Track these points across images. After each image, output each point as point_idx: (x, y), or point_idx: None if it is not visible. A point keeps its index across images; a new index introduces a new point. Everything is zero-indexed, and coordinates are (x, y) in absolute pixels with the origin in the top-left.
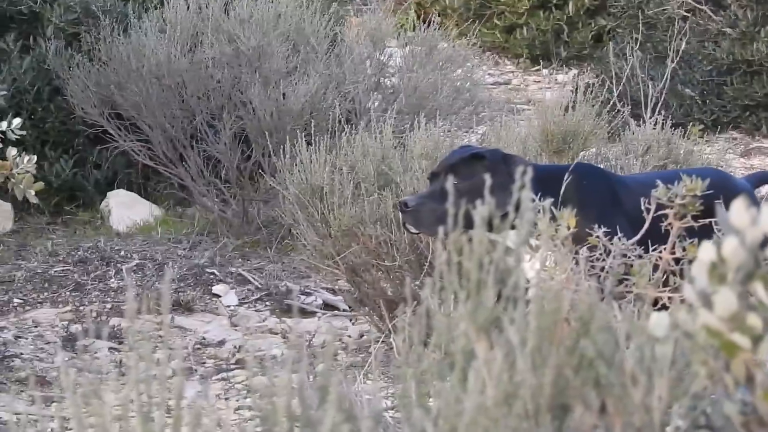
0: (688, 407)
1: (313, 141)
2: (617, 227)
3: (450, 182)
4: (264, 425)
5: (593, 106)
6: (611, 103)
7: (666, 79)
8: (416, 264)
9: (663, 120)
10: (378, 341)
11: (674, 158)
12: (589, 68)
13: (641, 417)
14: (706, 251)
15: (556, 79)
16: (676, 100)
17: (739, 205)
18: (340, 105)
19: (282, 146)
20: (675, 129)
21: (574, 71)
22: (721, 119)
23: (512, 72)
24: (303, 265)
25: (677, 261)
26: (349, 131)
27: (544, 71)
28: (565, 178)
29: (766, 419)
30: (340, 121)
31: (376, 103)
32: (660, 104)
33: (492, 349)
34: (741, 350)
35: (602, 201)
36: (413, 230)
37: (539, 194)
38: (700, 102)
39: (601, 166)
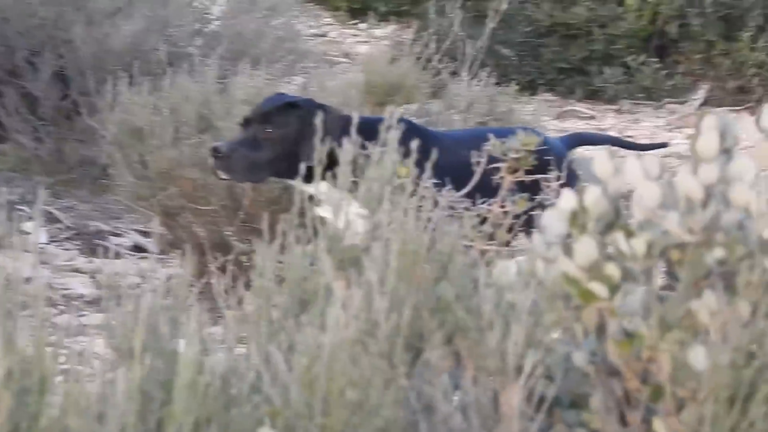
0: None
1: (135, 82)
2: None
3: (261, 130)
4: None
5: (418, 59)
6: (430, 60)
7: (485, 38)
8: (231, 209)
9: (486, 77)
10: (191, 285)
11: (495, 116)
12: (408, 25)
13: (496, 362)
14: (566, 200)
15: (373, 34)
16: (493, 60)
17: (602, 156)
18: (163, 48)
19: (103, 86)
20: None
21: (393, 27)
22: (537, 81)
23: (330, 25)
24: (117, 205)
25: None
26: (171, 74)
27: (362, 25)
28: (375, 131)
29: (617, 368)
30: (164, 65)
31: (198, 49)
32: (478, 63)
33: (349, 288)
34: (598, 299)
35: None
36: (224, 176)
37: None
38: (517, 63)
39: (415, 120)
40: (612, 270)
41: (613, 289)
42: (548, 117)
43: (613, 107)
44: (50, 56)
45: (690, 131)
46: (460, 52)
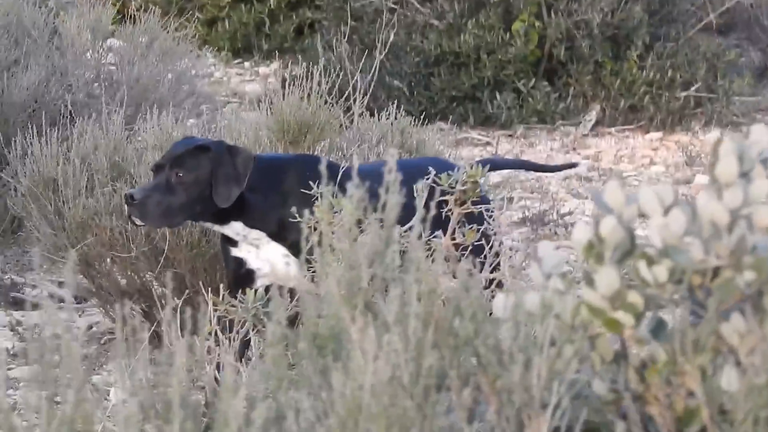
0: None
1: (43, 133)
2: None
3: (174, 175)
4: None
5: (326, 96)
6: (342, 96)
7: (375, 70)
8: (152, 255)
9: (396, 110)
10: (111, 332)
11: (408, 147)
12: (291, 61)
13: (521, 395)
14: (581, 231)
15: (257, 72)
16: (384, 91)
17: (612, 185)
18: (64, 97)
19: (13, 139)
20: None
21: (276, 64)
22: (430, 110)
23: (214, 65)
24: (29, 257)
25: (456, 247)
26: (80, 123)
27: (246, 64)
28: (287, 170)
29: (639, 395)
30: (67, 114)
31: (98, 96)
32: (368, 95)
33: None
34: (623, 327)
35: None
36: (139, 222)
37: (263, 185)
38: (408, 93)
39: (325, 157)
40: (635, 298)
41: (638, 316)
42: (444, 146)
43: (508, 132)
44: None
45: (586, 152)
46: (347, 86)
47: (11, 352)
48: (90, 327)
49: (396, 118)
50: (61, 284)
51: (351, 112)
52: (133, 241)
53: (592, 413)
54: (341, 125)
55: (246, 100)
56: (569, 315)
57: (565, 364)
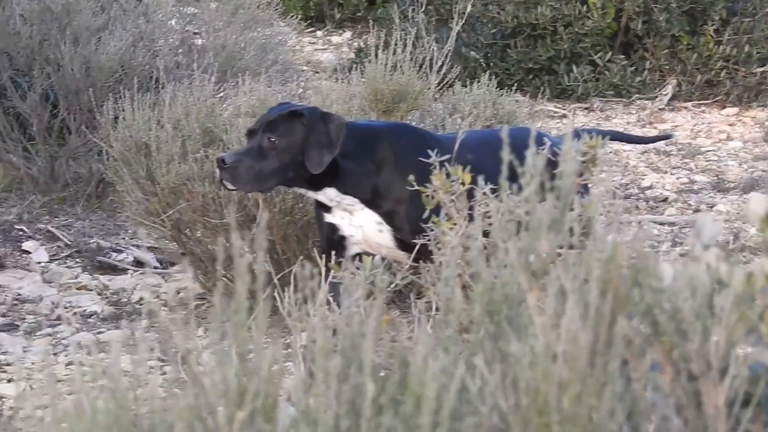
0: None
1: (134, 98)
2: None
3: (266, 140)
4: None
5: (394, 67)
6: (415, 63)
7: (451, 41)
8: (244, 222)
9: (488, 81)
10: (201, 297)
11: (499, 118)
12: (365, 30)
13: (699, 364)
14: (758, 202)
15: (330, 41)
16: (460, 62)
17: None
18: (150, 63)
19: (104, 103)
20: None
21: (349, 33)
22: (505, 82)
23: (284, 34)
24: (114, 221)
25: None
26: (171, 89)
27: (319, 33)
28: (382, 138)
29: None
30: (155, 78)
31: (184, 62)
32: (444, 66)
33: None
34: None
35: (415, 160)
36: (230, 187)
37: (357, 152)
38: (484, 64)
39: (419, 126)
40: None
41: None
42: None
43: (584, 105)
44: (39, 76)
45: (662, 126)
46: (423, 56)
47: (100, 316)
48: (178, 292)
49: (488, 89)
50: (147, 249)
51: (445, 81)
52: (226, 207)
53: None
54: (433, 95)
55: (320, 69)
56: (739, 285)
57: (741, 334)
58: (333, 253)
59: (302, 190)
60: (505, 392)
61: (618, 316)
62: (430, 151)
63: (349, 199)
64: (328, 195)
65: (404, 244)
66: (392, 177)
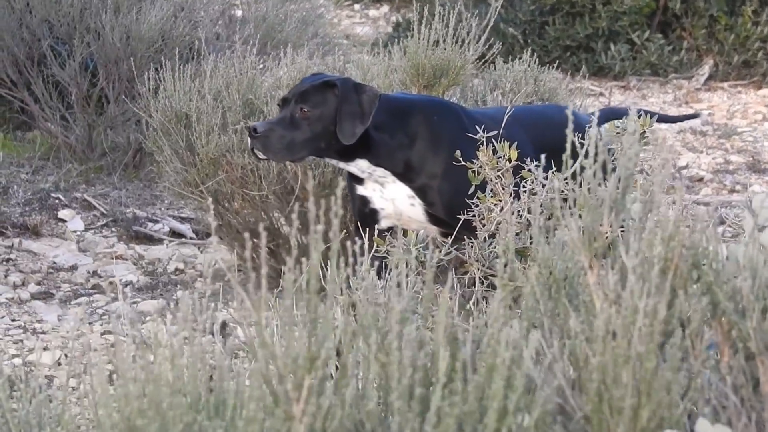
0: None
1: (175, 68)
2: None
3: (298, 110)
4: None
5: (436, 42)
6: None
7: (490, 17)
8: (282, 194)
9: (530, 57)
10: (238, 269)
11: (540, 95)
12: (403, 4)
13: (757, 342)
14: None
15: (367, 15)
16: (498, 38)
17: None
18: (190, 34)
19: (144, 73)
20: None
21: (386, 7)
22: (543, 59)
23: (323, 6)
24: (151, 191)
25: None
26: (212, 59)
27: (356, 6)
28: (416, 112)
29: None
30: (195, 49)
31: (224, 34)
32: (483, 42)
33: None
34: None
35: (452, 136)
36: (261, 156)
37: (390, 124)
38: (522, 41)
39: (453, 101)
40: None
41: None
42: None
43: (621, 84)
44: (79, 44)
45: (698, 106)
46: (462, 32)
47: (136, 286)
48: (214, 263)
49: (529, 66)
50: (183, 220)
51: (485, 57)
52: (265, 179)
53: None
54: (477, 70)
55: (357, 43)
56: None
57: None
58: (364, 225)
59: (333, 161)
60: (564, 367)
61: (678, 296)
62: (466, 126)
63: (380, 171)
64: (360, 166)
65: (436, 219)
66: (426, 151)
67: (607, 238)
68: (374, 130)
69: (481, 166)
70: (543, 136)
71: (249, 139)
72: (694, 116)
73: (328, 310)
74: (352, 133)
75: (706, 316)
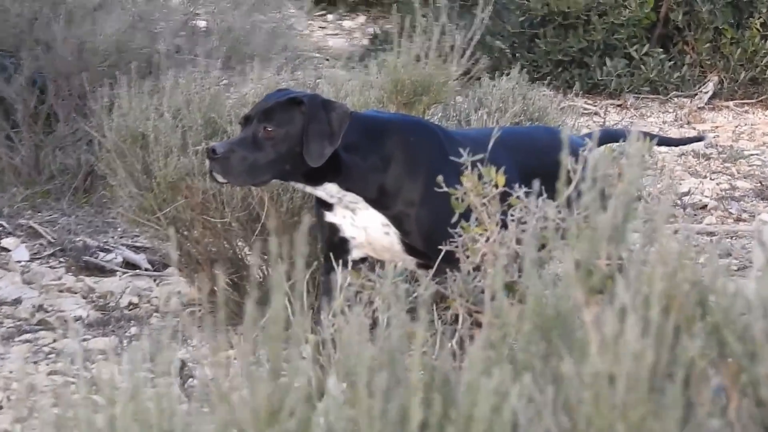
0: None
1: (131, 84)
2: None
3: (262, 129)
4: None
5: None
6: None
7: (476, 29)
8: (247, 222)
9: (518, 73)
10: (198, 304)
11: (529, 114)
12: (381, 15)
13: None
14: None
15: (341, 26)
16: (484, 52)
17: None
18: (149, 47)
19: (98, 88)
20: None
21: (362, 18)
22: (533, 75)
23: (294, 17)
24: (103, 218)
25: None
26: (172, 75)
27: (330, 17)
28: (390, 132)
29: None
30: (153, 63)
31: (186, 47)
32: (468, 56)
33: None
34: None
35: (431, 159)
36: (221, 180)
37: (362, 145)
38: (510, 55)
39: (432, 120)
40: None
41: None
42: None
43: (617, 102)
44: (27, 58)
45: (702, 127)
46: (444, 44)
47: (86, 322)
48: (170, 297)
49: (518, 83)
50: (138, 249)
51: (471, 73)
52: (228, 205)
53: None
54: (460, 87)
55: (330, 56)
56: None
57: None
58: (333, 256)
59: (300, 185)
60: (557, 416)
61: (681, 336)
62: (446, 149)
63: (351, 196)
64: (329, 191)
65: (413, 250)
66: (402, 176)
67: (605, 271)
68: (345, 151)
69: (465, 193)
70: (530, 161)
71: (207, 161)
72: (699, 139)
73: (294, 356)
74: (320, 154)
75: (712, 358)
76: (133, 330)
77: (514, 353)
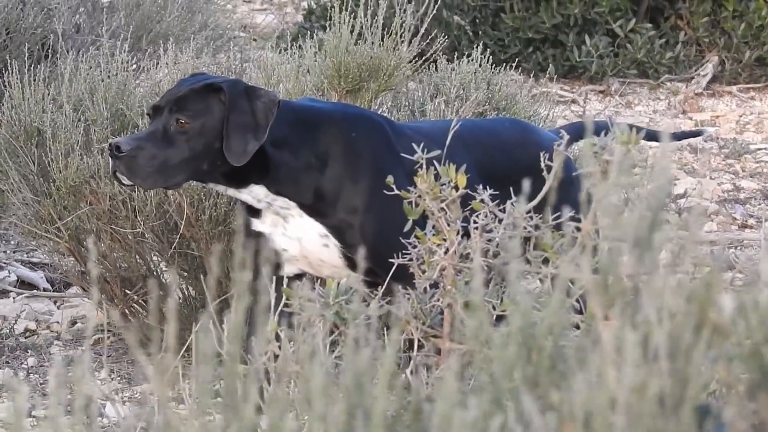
0: None
1: (24, 71)
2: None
3: (174, 121)
4: None
5: (361, 35)
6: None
7: (430, 2)
8: (163, 232)
9: (481, 54)
10: (102, 329)
11: (495, 103)
12: None
13: None
14: None
15: (272, 0)
16: (441, 30)
17: None
18: (43, 26)
19: None
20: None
21: None
22: (498, 56)
23: None
24: (16, 230)
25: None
26: (71, 60)
27: None
28: (328, 124)
29: None
30: (48, 46)
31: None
32: (421, 35)
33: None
34: None
35: (376, 157)
36: (126, 182)
37: (294, 141)
38: (471, 33)
39: (375, 111)
40: None
41: None
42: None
43: (598, 87)
44: None
45: (699, 116)
46: (392, 21)
47: None
48: (74, 322)
49: (481, 66)
50: (35, 266)
51: (426, 55)
52: (140, 213)
53: None
54: (413, 72)
55: (258, 36)
56: None
57: None
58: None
59: (221, 187)
60: None
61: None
62: (392, 144)
63: (282, 201)
64: (255, 194)
65: (356, 264)
66: (342, 178)
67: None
68: (273, 147)
69: (419, 196)
70: (492, 159)
71: (110, 159)
72: (695, 134)
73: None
74: (243, 150)
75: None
76: (31, 361)
77: (494, 380)
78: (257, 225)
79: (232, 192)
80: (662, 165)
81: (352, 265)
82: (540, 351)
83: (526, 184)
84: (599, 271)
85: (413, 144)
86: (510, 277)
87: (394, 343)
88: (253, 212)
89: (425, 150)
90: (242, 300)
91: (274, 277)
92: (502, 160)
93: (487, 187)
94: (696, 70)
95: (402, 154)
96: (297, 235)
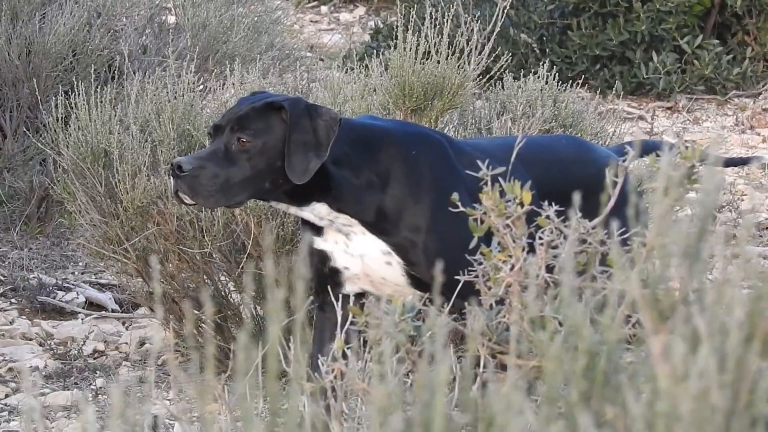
0: None
1: (91, 92)
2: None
3: (235, 140)
4: None
5: (427, 54)
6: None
7: (496, 20)
8: (231, 252)
9: (548, 72)
10: (172, 349)
11: (562, 120)
12: (383, 6)
13: None
14: None
15: (338, 19)
16: (508, 47)
17: None
18: (110, 47)
19: (51, 98)
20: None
21: (362, 9)
22: (565, 73)
23: (281, 9)
24: (62, 251)
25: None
26: (138, 80)
27: (323, 8)
28: (388, 143)
29: None
30: (114, 67)
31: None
32: (487, 53)
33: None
34: None
35: (437, 175)
36: (188, 201)
37: (356, 159)
38: (538, 51)
39: (436, 129)
40: None
41: None
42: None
43: (666, 104)
44: None
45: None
46: (460, 39)
47: (44, 373)
48: (142, 343)
49: (547, 83)
50: (103, 287)
51: (492, 72)
52: (208, 233)
53: None
54: (480, 90)
55: (325, 55)
56: None
57: None
58: (324, 290)
59: (283, 206)
60: None
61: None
62: (453, 162)
63: (344, 218)
64: (318, 212)
65: (420, 282)
66: (404, 196)
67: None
68: (334, 165)
69: (484, 213)
70: (550, 177)
71: (172, 179)
72: (746, 161)
73: (293, 402)
74: (305, 169)
75: None
76: (99, 382)
77: (551, 395)
78: (319, 243)
79: (294, 210)
80: (711, 174)
81: (415, 283)
82: (593, 366)
83: (577, 197)
84: (648, 285)
85: (477, 161)
86: (564, 293)
87: (469, 358)
88: (315, 230)
89: (489, 167)
90: (278, 317)
91: (340, 295)
92: (560, 176)
93: (551, 203)
94: (764, 86)
95: (466, 171)
96: (359, 253)
